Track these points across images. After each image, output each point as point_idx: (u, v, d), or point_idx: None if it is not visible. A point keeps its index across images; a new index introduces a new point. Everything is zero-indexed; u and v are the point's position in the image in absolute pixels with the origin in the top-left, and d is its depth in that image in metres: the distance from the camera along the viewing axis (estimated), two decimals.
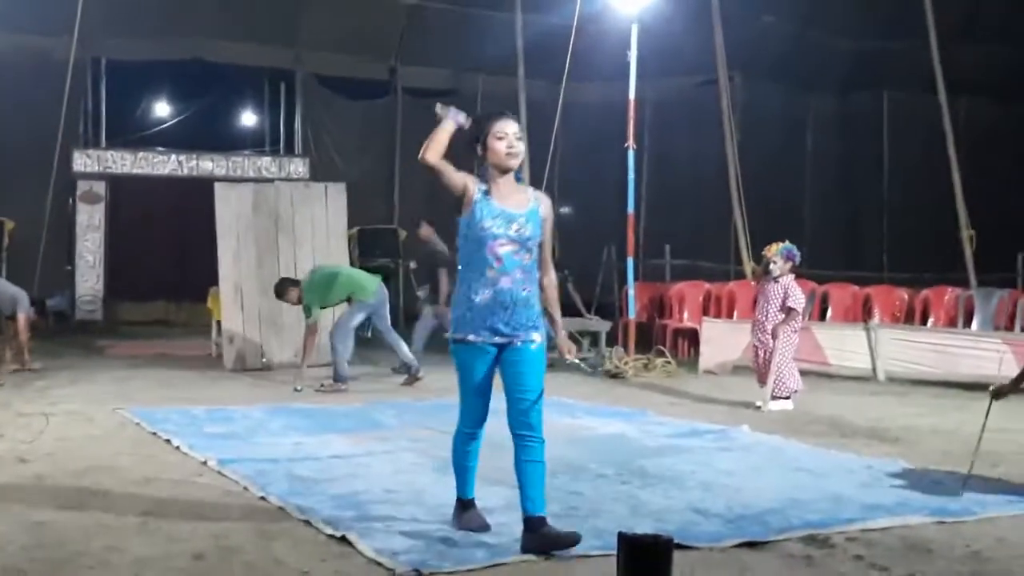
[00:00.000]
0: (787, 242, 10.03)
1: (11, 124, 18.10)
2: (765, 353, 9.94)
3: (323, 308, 11.40)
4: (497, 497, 5.86)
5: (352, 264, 14.02)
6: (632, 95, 13.38)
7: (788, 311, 9.82)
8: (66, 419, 8.62)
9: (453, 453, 5.28)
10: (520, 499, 4.89)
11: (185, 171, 19.90)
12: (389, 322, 11.68)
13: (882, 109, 22.49)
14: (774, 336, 9.80)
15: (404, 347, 11.74)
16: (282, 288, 11.49)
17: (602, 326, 14.08)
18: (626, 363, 12.58)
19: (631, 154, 13.26)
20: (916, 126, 20.07)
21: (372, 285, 11.38)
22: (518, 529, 5.17)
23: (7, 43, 18.20)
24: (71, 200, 19.05)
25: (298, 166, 20.48)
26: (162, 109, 23.50)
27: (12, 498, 5.78)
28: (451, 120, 4.95)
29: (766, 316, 9.96)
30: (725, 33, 16.75)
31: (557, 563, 4.68)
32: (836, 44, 21.79)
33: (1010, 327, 12.83)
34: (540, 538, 4.78)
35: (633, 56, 13.42)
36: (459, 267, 5.04)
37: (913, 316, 13.82)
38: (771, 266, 9.94)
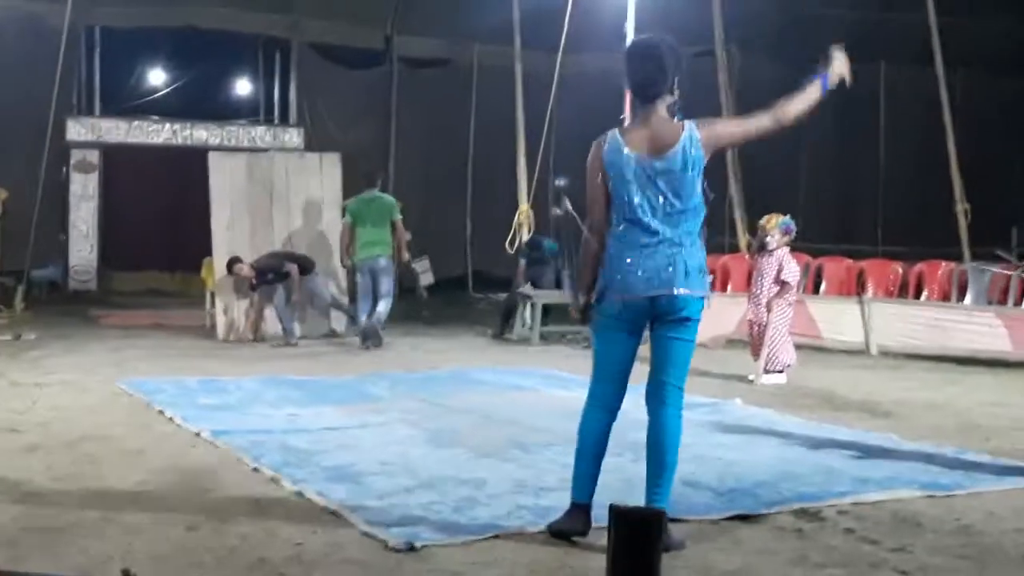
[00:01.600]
0: (786, 216, 10.02)
1: (3, 92, 18.00)
2: (759, 327, 9.95)
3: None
4: (487, 470, 5.90)
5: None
6: None
7: (782, 284, 9.81)
8: (60, 389, 8.63)
9: None
10: None
11: (179, 140, 19.87)
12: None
13: (879, 82, 22.44)
14: (768, 309, 9.80)
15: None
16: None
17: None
18: None
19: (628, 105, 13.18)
20: (912, 99, 20.04)
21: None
22: (511, 501, 5.20)
23: None
24: (64, 169, 19.02)
25: (292, 136, 20.46)
26: (156, 77, 23.38)
27: (4, 468, 5.78)
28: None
29: (761, 289, 9.96)
30: (722, 4, 16.68)
31: (550, 536, 4.69)
32: (832, 16, 21.69)
33: (1004, 302, 12.84)
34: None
35: (630, 26, 13.34)
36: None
37: (907, 290, 13.83)
38: (767, 239, 9.93)
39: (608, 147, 4.67)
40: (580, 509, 4.63)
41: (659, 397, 4.70)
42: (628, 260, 4.58)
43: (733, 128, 4.86)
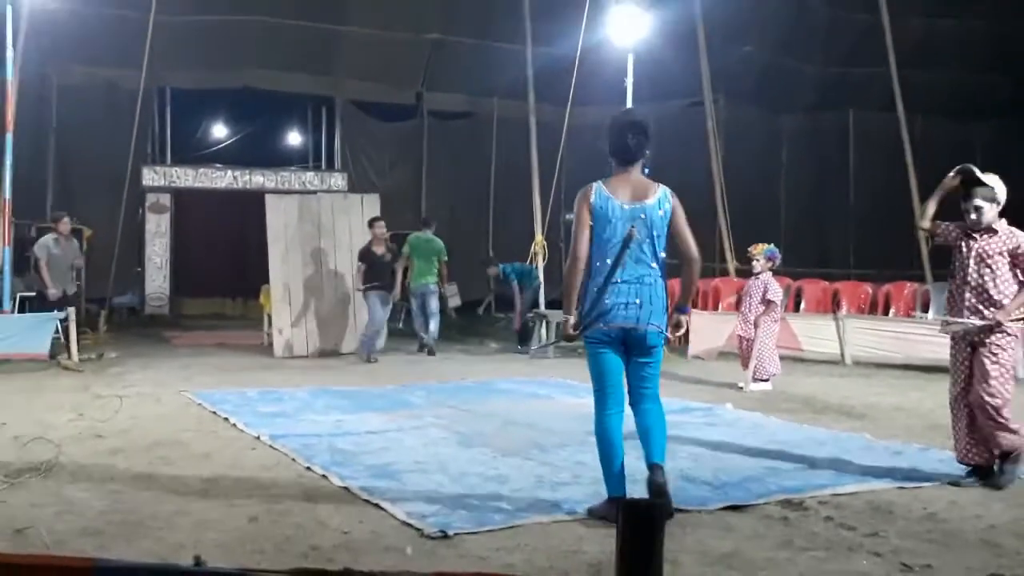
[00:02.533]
0: (771, 245, 10.00)
1: (89, 145, 18.18)
2: (747, 341, 9.91)
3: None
4: (509, 467, 5.88)
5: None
6: None
7: (768, 303, 9.80)
8: (138, 400, 8.65)
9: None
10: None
11: (240, 185, 19.95)
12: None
13: (848, 126, 22.43)
14: (756, 326, 9.78)
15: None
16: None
17: None
18: None
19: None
20: (878, 141, 20.01)
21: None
22: (531, 494, 5.18)
23: (85, 75, 18.28)
24: (141, 210, 19.12)
25: (337, 179, 20.51)
26: (219, 131, 23.56)
27: (91, 469, 5.80)
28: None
29: (749, 308, 9.94)
30: (709, 61, 16.73)
31: (565, 524, 4.68)
32: (806, 69, 21.75)
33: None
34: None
35: (629, 82, 13.43)
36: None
37: (876, 307, 13.77)
38: (754, 263, 9.91)
39: (595, 194, 4.87)
40: (618, 500, 4.64)
41: (642, 401, 4.93)
42: (606, 293, 4.77)
43: (683, 223, 4.95)
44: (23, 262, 14.55)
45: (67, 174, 18.41)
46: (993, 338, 5.54)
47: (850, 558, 4.25)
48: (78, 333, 11.63)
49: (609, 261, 4.78)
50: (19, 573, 2.01)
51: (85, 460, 6.05)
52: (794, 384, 10.10)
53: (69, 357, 11.19)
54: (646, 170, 5.02)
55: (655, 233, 4.81)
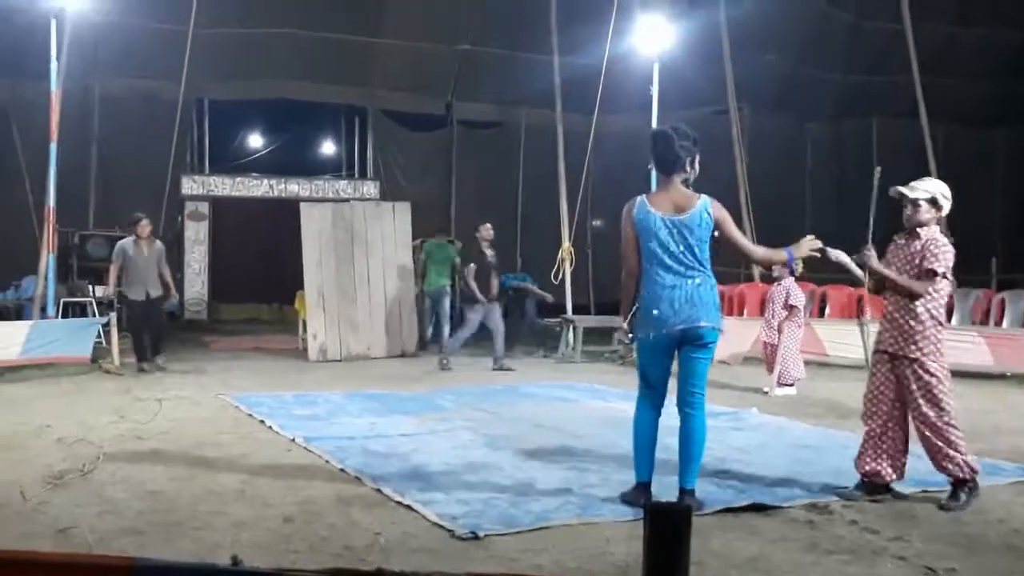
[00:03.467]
0: None
1: (130, 155, 18.38)
2: (772, 346, 9.86)
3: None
4: (537, 470, 5.87)
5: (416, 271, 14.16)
6: (654, 125, 13.32)
7: (791, 308, 9.74)
8: (177, 403, 8.72)
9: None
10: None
11: (275, 193, 20.11)
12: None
13: (871, 133, 22.23)
14: (779, 331, 9.72)
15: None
16: None
17: None
18: None
19: (654, 175, 13.17)
20: (901, 148, 19.82)
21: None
22: (559, 497, 5.17)
23: (126, 87, 18.49)
24: (180, 218, 19.32)
25: (370, 188, 20.62)
26: (255, 141, 23.73)
27: (131, 470, 5.85)
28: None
29: (772, 314, 9.88)
30: (733, 70, 16.65)
31: (592, 526, 4.66)
32: (829, 78, 21.61)
33: (985, 322, 12.61)
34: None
35: (655, 91, 13.38)
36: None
37: None
38: (775, 271, 9.86)
39: (637, 209, 5.03)
40: (643, 486, 5.02)
41: (688, 404, 5.02)
42: (659, 299, 4.92)
43: (731, 228, 5.08)
44: (66, 269, 14.71)
45: (109, 183, 18.60)
46: (920, 355, 5.15)
47: (875, 562, 4.20)
48: (120, 338, 11.72)
49: (655, 270, 4.94)
50: (60, 572, 2.03)
51: (126, 461, 6.10)
52: (819, 389, 10.02)
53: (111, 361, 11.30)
54: (689, 181, 5.07)
55: (696, 241, 4.93)
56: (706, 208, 4.95)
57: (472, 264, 12.02)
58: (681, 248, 4.90)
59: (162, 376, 10.81)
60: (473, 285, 11.87)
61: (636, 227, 4.99)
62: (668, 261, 4.90)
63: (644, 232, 4.97)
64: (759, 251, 5.33)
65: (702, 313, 4.89)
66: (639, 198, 5.06)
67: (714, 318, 4.94)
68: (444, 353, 12.08)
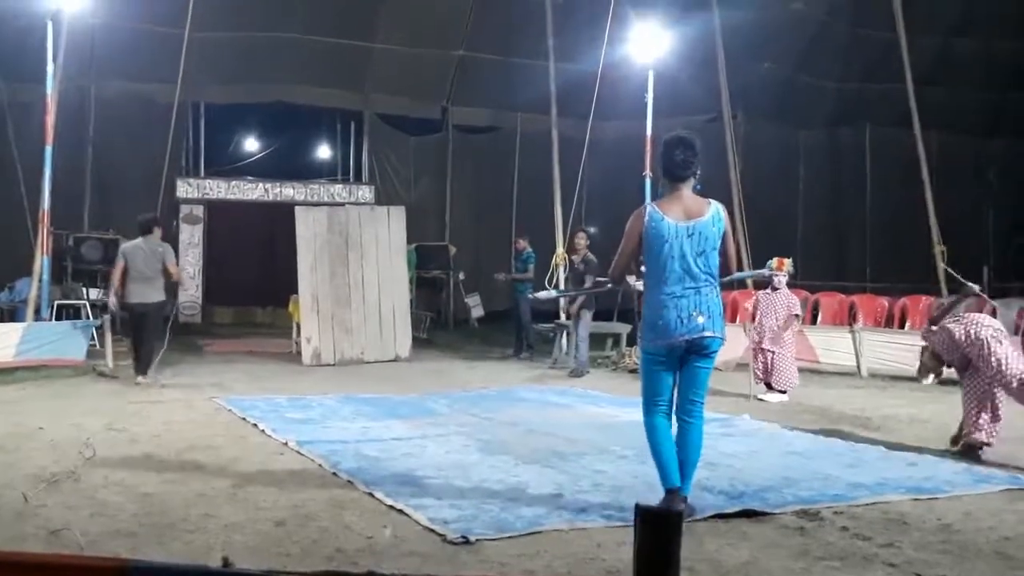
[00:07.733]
0: (789, 261, 9.87)
1: (125, 157, 18.36)
2: (764, 353, 9.88)
3: None
4: (530, 475, 5.87)
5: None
6: (649, 131, 13.37)
7: (794, 317, 9.84)
8: (170, 406, 8.71)
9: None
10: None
11: (270, 197, 20.10)
12: None
13: (864, 141, 22.31)
14: (775, 339, 9.76)
15: None
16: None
17: (623, 328, 14.02)
18: None
19: (648, 181, 13.24)
20: (894, 156, 19.90)
21: None
22: (551, 502, 5.17)
23: (121, 89, 18.48)
24: (175, 221, 19.28)
25: (365, 192, 20.61)
26: (251, 144, 23.72)
27: (124, 473, 5.85)
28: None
29: (776, 323, 9.90)
30: (728, 78, 16.69)
31: (584, 531, 4.66)
32: (824, 86, 21.68)
33: None
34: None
35: (650, 98, 13.41)
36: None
37: (892, 321, 13.65)
38: (777, 278, 9.88)
39: (649, 217, 4.97)
40: (676, 489, 4.90)
41: (688, 411, 5.00)
42: (665, 309, 4.89)
43: (731, 241, 5.14)
44: (61, 271, 14.66)
45: (104, 185, 18.58)
46: None
47: (865, 569, 4.21)
48: (113, 341, 11.69)
49: (665, 278, 4.90)
50: (52, 574, 2.03)
51: (119, 464, 6.10)
52: (811, 395, 10.03)
53: (105, 363, 11.28)
54: (698, 187, 5.07)
55: (708, 248, 4.92)
56: (719, 214, 4.96)
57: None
58: (695, 255, 4.88)
59: (156, 378, 10.77)
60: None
61: (647, 234, 4.94)
62: (679, 269, 4.87)
63: (656, 239, 4.91)
64: (733, 274, 5.43)
65: (708, 323, 4.89)
66: (649, 206, 5.04)
67: (719, 328, 4.95)
68: (582, 364, 12.09)
